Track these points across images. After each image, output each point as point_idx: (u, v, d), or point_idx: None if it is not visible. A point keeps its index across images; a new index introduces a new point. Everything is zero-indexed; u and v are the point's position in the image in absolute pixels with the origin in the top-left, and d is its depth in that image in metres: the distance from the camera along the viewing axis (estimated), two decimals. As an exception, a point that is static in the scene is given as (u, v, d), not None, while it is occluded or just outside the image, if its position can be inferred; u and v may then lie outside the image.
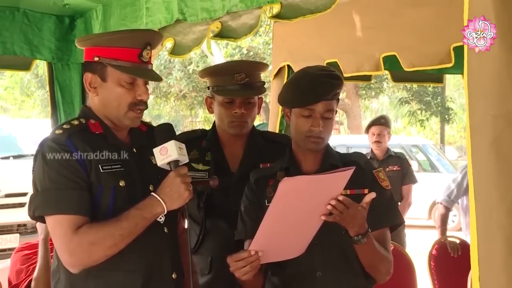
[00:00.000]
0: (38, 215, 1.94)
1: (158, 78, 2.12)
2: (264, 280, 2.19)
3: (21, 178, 6.82)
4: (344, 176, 1.85)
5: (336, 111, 2.16)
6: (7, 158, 7.63)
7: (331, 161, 2.15)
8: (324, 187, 1.85)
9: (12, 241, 6.53)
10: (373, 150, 5.72)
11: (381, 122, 5.69)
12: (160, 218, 1.99)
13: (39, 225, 3.04)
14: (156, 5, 2.78)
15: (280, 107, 3.93)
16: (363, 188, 2.05)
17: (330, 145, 2.23)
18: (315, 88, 2.06)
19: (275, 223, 1.87)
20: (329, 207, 1.85)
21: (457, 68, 2.86)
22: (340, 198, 1.85)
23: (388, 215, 2.16)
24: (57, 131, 1.97)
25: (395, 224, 2.20)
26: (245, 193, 2.25)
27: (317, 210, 1.87)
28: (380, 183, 2.15)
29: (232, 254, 1.92)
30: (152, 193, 1.92)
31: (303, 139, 2.10)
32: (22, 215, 6.55)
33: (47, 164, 1.91)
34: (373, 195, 1.91)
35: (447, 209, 4.58)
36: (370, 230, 1.98)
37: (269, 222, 1.86)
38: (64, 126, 2.00)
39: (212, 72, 2.68)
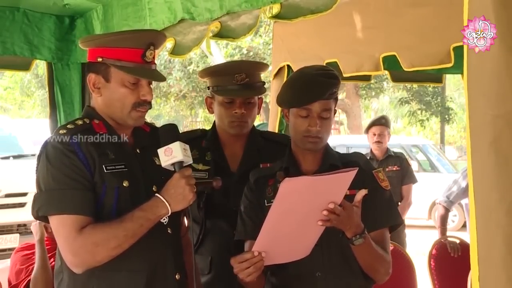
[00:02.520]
0: (41, 215, 1.93)
1: (161, 78, 2.11)
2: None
3: (21, 178, 6.84)
4: (347, 177, 1.83)
5: (335, 110, 2.15)
6: (7, 158, 7.63)
7: (331, 161, 2.15)
8: (327, 188, 1.83)
9: (12, 241, 6.53)
10: (373, 150, 5.72)
11: (382, 122, 5.70)
12: (164, 219, 1.99)
13: (33, 227, 3.07)
14: (158, 5, 2.79)
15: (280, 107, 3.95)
16: (362, 189, 2.05)
17: (329, 145, 2.22)
18: (311, 87, 2.05)
19: (277, 224, 1.86)
20: (325, 212, 1.84)
21: (457, 68, 2.86)
22: (332, 206, 1.84)
23: (387, 215, 2.16)
24: (61, 131, 1.97)
25: (394, 224, 2.20)
26: (244, 193, 2.25)
27: (320, 211, 1.86)
28: (379, 184, 2.14)
29: (235, 256, 1.92)
30: (157, 194, 1.92)
31: (301, 139, 2.10)
32: (22, 215, 6.56)
33: (51, 164, 1.91)
34: (363, 192, 1.92)
35: (447, 210, 4.60)
36: (366, 230, 1.98)
37: (272, 222, 1.85)
38: (68, 126, 1.99)
39: (212, 72, 2.68)
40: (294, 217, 1.86)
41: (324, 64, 3.64)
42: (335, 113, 2.15)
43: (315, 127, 2.05)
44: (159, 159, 1.97)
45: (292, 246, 1.97)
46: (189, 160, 1.95)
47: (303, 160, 2.16)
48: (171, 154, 1.91)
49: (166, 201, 1.90)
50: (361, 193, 1.92)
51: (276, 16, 2.49)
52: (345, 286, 2.11)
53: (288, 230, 1.89)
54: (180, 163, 1.92)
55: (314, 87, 2.05)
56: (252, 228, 2.10)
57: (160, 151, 1.93)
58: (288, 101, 2.13)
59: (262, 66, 2.77)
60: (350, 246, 1.96)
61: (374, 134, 5.65)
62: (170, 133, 1.98)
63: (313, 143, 2.09)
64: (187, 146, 1.96)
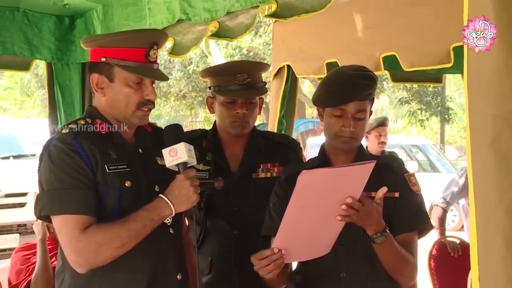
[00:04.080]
0: (44, 215, 1.93)
1: (164, 78, 2.11)
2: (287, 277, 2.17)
3: (21, 178, 6.84)
4: (365, 169, 1.81)
5: (371, 111, 2.13)
6: (7, 158, 7.63)
7: (363, 161, 2.12)
8: (345, 181, 1.81)
9: (12, 241, 6.53)
10: (373, 150, 5.71)
11: (386, 123, 5.74)
12: (167, 220, 1.99)
13: (35, 226, 3.07)
14: (157, 5, 2.79)
15: (279, 107, 3.96)
16: (393, 191, 2.02)
17: (363, 146, 2.20)
18: (347, 88, 2.04)
19: (296, 219, 1.85)
20: (343, 207, 1.82)
21: (457, 68, 2.86)
22: (350, 200, 1.82)
23: (416, 219, 2.12)
24: (64, 131, 1.97)
25: (423, 229, 2.15)
26: (274, 189, 2.23)
27: (339, 206, 1.84)
28: (411, 187, 2.11)
29: (255, 253, 1.91)
30: (161, 195, 1.92)
31: (334, 138, 2.08)
32: (22, 215, 6.56)
33: (54, 164, 1.91)
34: (384, 189, 1.89)
35: (444, 211, 4.61)
36: (395, 233, 1.96)
37: (290, 218, 1.84)
38: (71, 126, 1.99)
39: (214, 72, 2.68)
40: (313, 212, 1.84)
41: (324, 64, 3.65)
42: (371, 113, 2.13)
43: (349, 127, 2.04)
44: (161, 159, 1.98)
45: (312, 242, 1.95)
46: (194, 161, 1.95)
47: (336, 160, 2.14)
48: (176, 155, 1.91)
49: (170, 202, 1.90)
50: (382, 190, 1.89)
51: (272, 15, 2.49)
52: (369, 287, 2.08)
53: (307, 226, 1.88)
54: (185, 164, 1.92)
55: (349, 88, 2.03)
56: (279, 224, 2.09)
57: (165, 151, 1.93)
58: (323, 101, 2.11)
59: (264, 66, 2.77)
60: (372, 245, 1.94)
61: (380, 135, 5.67)
62: (174, 133, 1.98)
63: (346, 143, 2.08)
64: (192, 147, 1.96)
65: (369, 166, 1.80)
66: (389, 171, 2.06)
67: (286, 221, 1.84)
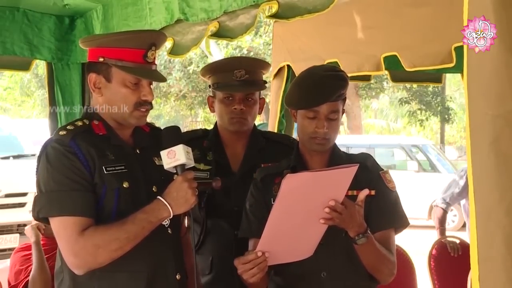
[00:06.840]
0: (42, 217, 1.93)
1: (162, 79, 2.11)
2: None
3: (21, 178, 6.85)
4: (349, 172, 1.82)
5: (343, 110, 2.15)
6: (7, 158, 7.63)
7: (338, 161, 2.13)
8: (329, 184, 1.83)
9: (12, 241, 6.54)
10: None
11: None
12: (165, 222, 1.99)
13: (27, 231, 3.10)
14: (157, 5, 2.79)
15: (279, 107, 3.96)
16: (369, 189, 2.03)
17: (337, 145, 2.21)
18: (319, 90, 2.05)
19: (281, 222, 1.85)
20: (326, 210, 1.83)
21: (457, 68, 2.86)
22: (333, 203, 1.84)
23: (393, 216, 2.15)
24: (61, 132, 1.97)
25: (400, 226, 2.18)
26: (250, 190, 2.24)
27: (322, 209, 1.85)
28: (386, 184, 2.14)
29: (238, 256, 1.91)
30: (159, 197, 1.92)
31: (308, 140, 2.10)
32: (22, 215, 6.57)
33: (51, 165, 1.91)
34: (366, 191, 1.92)
35: (444, 211, 4.61)
36: (372, 231, 1.97)
37: (275, 221, 1.84)
38: (68, 127, 1.99)
39: (213, 68, 2.69)
40: (297, 216, 1.85)
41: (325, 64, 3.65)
42: (343, 113, 2.15)
43: (322, 129, 2.05)
44: (159, 159, 1.97)
45: (295, 245, 1.95)
46: (192, 163, 1.95)
47: (311, 160, 2.16)
48: (174, 157, 1.91)
49: (168, 204, 1.90)
50: (364, 193, 1.92)
51: (274, 16, 2.49)
52: (350, 286, 2.10)
53: (291, 229, 1.88)
54: (183, 165, 1.92)
55: (321, 90, 2.04)
56: (257, 226, 2.09)
57: (163, 153, 1.93)
58: (296, 103, 2.12)
59: (263, 63, 2.76)
60: (354, 245, 1.96)
61: None
62: (173, 135, 1.98)
63: (320, 144, 2.09)
64: (190, 149, 1.96)
65: (352, 169, 1.82)
66: (364, 170, 2.06)
67: (270, 224, 1.85)
